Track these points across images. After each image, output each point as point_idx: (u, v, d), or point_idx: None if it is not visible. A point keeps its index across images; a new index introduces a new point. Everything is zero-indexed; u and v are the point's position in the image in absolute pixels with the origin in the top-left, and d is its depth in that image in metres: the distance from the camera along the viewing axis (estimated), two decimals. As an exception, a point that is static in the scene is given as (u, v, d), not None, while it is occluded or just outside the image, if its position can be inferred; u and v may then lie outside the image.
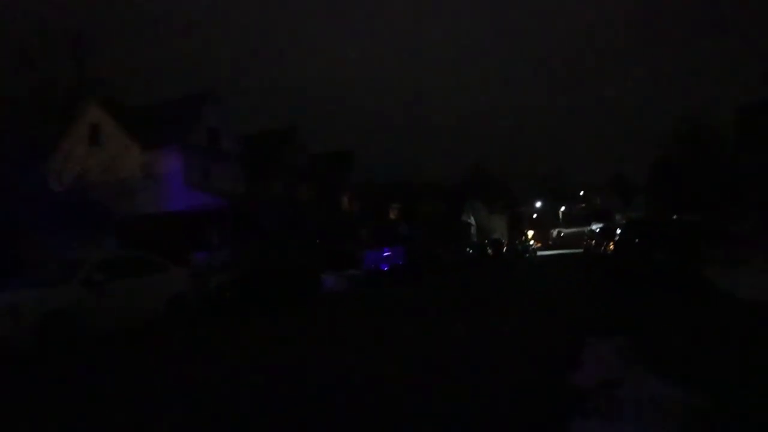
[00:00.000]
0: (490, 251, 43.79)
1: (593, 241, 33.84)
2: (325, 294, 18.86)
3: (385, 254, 25.53)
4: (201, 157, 30.08)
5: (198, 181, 29.24)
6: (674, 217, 25.57)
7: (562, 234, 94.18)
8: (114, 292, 10.55)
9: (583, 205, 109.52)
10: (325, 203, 40.40)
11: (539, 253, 64.99)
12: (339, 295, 19.29)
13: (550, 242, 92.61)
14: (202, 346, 9.70)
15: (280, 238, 24.41)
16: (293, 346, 8.99)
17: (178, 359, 8.61)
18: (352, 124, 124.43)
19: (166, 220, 26.18)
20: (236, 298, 14.24)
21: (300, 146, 40.45)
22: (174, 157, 28.77)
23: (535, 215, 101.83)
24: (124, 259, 11.83)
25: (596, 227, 40.82)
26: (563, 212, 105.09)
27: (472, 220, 70.61)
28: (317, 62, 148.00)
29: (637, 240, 15.72)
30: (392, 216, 53.62)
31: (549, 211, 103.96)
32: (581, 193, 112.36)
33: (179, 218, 26.42)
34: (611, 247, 19.38)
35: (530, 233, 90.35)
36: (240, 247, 17.63)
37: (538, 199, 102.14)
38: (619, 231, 18.77)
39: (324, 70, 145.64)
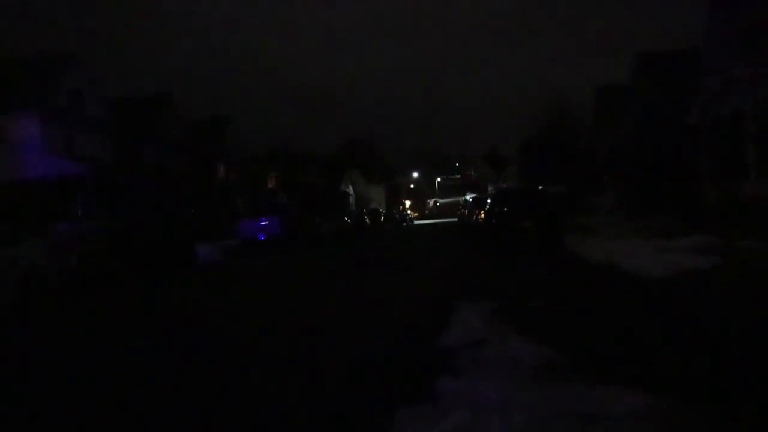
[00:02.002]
0: (368, 221, 44.30)
1: (467, 210, 35.11)
2: (200, 265, 18.35)
3: (262, 223, 25.16)
4: (62, 121, 27.79)
5: (59, 148, 27.07)
6: (540, 188, 27.04)
7: (438, 203, 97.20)
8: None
9: (459, 176, 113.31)
10: (200, 172, 39.01)
11: (416, 222, 66.77)
12: (214, 265, 18.83)
13: (427, 211, 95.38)
14: (56, 327, 9.09)
15: (151, 208, 23.27)
16: (165, 322, 8.69)
17: (31, 341, 8.06)
18: (229, 92, 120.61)
19: (22, 188, 24.13)
20: (102, 271, 13.47)
21: (174, 112, 38.60)
22: (31, 121, 26.35)
23: (412, 185, 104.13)
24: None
25: (470, 197, 42.31)
26: (439, 183, 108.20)
27: (350, 190, 71.02)
28: (196, 26, 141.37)
29: (505, 209, 16.49)
30: (270, 185, 52.79)
31: (426, 182, 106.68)
32: (457, 164, 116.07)
33: (37, 187, 24.44)
34: (482, 215, 20.20)
35: (408, 203, 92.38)
36: (106, 217, 16.59)
37: (415, 170, 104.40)
38: (489, 200, 19.59)
39: (203, 35, 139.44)
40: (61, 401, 4.75)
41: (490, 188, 70.24)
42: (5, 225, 11.97)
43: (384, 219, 51.82)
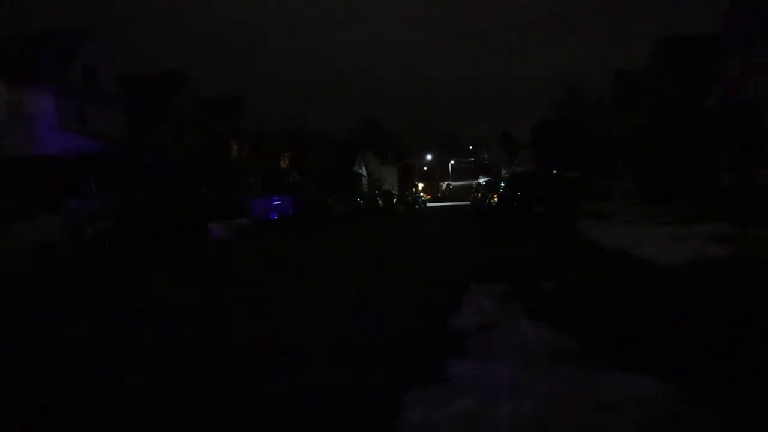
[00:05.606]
0: (380, 202, 44.27)
1: (479, 194, 34.98)
2: (212, 243, 18.43)
3: (275, 203, 25.20)
4: (76, 96, 27.82)
5: (73, 123, 27.15)
6: (554, 172, 26.82)
7: (451, 186, 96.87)
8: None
9: (472, 159, 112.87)
10: (213, 150, 39.05)
11: (429, 204, 66.66)
12: (225, 244, 18.90)
13: (440, 194, 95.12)
14: (69, 299, 9.19)
15: (164, 185, 23.40)
16: (173, 294, 8.73)
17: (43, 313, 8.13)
18: (243, 71, 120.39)
19: (37, 164, 24.34)
20: (114, 247, 13.56)
21: (188, 90, 38.53)
22: (46, 96, 26.41)
23: (425, 167, 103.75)
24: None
25: (483, 180, 42.09)
26: (452, 165, 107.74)
27: (363, 171, 70.90)
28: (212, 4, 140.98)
29: (518, 193, 16.37)
30: (283, 165, 52.80)
31: (439, 164, 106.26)
32: (470, 147, 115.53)
33: (51, 162, 24.63)
34: (495, 199, 20.08)
35: (420, 185, 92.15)
36: (119, 193, 16.71)
37: (429, 152, 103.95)
38: (502, 184, 19.44)
39: (218, 12, 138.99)
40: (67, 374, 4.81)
41: (503, 171, 69.94)
42: (20, 200, 12.07)
43: (396, 201, 51.73)
